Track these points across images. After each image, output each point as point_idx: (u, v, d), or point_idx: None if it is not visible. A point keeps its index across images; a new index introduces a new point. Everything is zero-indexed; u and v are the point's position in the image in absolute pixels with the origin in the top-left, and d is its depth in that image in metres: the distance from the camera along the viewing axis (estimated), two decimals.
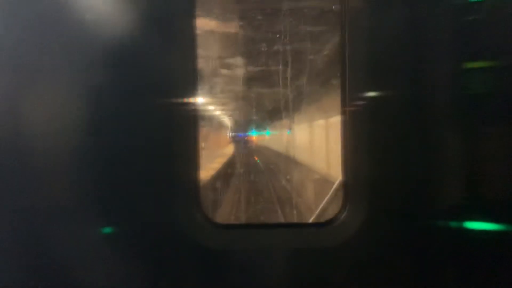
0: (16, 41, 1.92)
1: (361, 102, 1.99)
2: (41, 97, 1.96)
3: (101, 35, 1.94)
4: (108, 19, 1.96)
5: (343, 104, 2.02)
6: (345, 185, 2.04)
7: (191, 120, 2.00)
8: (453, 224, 1.99)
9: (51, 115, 1.94)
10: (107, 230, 2.00)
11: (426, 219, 2.00)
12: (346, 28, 1.98)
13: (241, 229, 2.25)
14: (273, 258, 2.03)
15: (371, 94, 2.00)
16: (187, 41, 1.98)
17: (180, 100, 2.00)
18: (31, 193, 1.94)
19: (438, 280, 1.99)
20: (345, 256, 2.01)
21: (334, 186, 3.57)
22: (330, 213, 2.55)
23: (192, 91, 2.00)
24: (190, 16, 1.98)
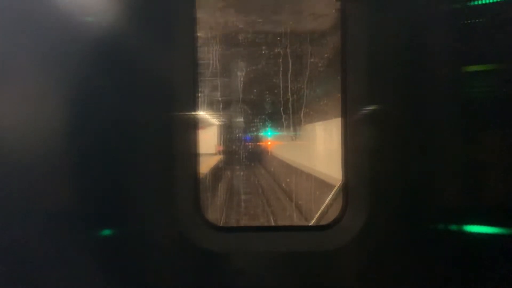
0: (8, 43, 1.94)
1: (361, 108, 1.99)
2: (41, 100, 1.96)
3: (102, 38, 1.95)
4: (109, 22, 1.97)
5: (344, 110, 2.03)
6: (345, 189, 2.05)
7: (191, 124, 2.01)
8: (453, 227, 1.99)
9: (51, 118, 1.95)
10: (107, 232, 2.01)
11: (426, 222, 2.00)
12: (346, 37, 1.99)
13: (242, 232, 2.25)
14: (272, 261, 2.03)
15: (372, 99, 2.00)
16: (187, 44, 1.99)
17: (179, 104, 2.00)
18: (31, 195, 1.94)
19: (438, 283, 1.99)
20: (345, 259, 2.01)
21: None
22: None
23: (193, 93, 2.00)
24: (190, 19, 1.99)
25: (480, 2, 1.94)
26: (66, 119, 1.95)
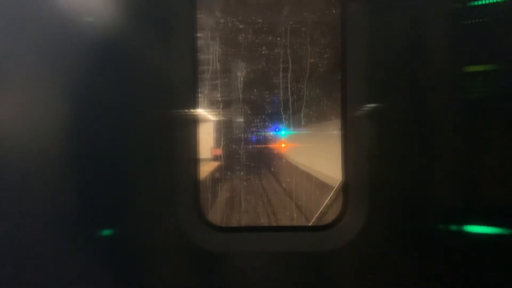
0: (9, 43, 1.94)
1: (361, 108, 2.00)
2: (40, 99, 1.97)
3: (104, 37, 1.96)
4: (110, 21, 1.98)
5: (343, 110, 2.04)
6: (345, 189, 2.05)
7: (191, 124, 2.01)
8: (453, 227, 1.99)
9: (51, 118, 1.95)
10: (108, 232, 2.01)
11: (425, 222, 2.00)
12: (346, 39, 2.00)
13: (242, 232, 2.26)
14: (272, 261, 2.03)
15: (371, 99, 2.01)
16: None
17: (179, 103, 2.00)
18: (31, 195, 1.95)
19: (438, 282, 1.99)
20: (344, 259, 2.01)
21: None
22: None
23: (192, 93, 2.01)
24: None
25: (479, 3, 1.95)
26: (63, 119, 1.95)
